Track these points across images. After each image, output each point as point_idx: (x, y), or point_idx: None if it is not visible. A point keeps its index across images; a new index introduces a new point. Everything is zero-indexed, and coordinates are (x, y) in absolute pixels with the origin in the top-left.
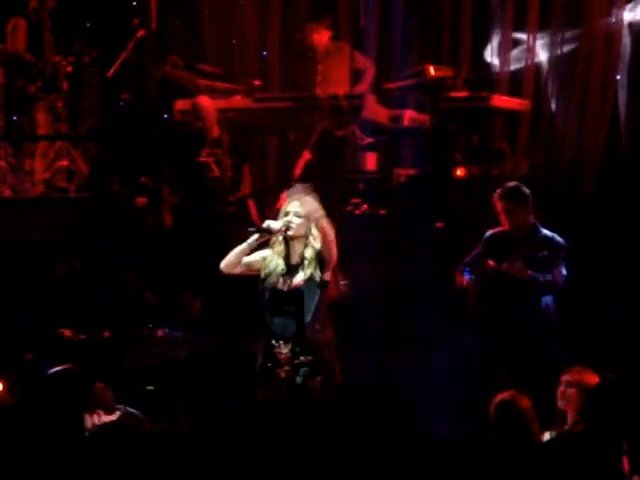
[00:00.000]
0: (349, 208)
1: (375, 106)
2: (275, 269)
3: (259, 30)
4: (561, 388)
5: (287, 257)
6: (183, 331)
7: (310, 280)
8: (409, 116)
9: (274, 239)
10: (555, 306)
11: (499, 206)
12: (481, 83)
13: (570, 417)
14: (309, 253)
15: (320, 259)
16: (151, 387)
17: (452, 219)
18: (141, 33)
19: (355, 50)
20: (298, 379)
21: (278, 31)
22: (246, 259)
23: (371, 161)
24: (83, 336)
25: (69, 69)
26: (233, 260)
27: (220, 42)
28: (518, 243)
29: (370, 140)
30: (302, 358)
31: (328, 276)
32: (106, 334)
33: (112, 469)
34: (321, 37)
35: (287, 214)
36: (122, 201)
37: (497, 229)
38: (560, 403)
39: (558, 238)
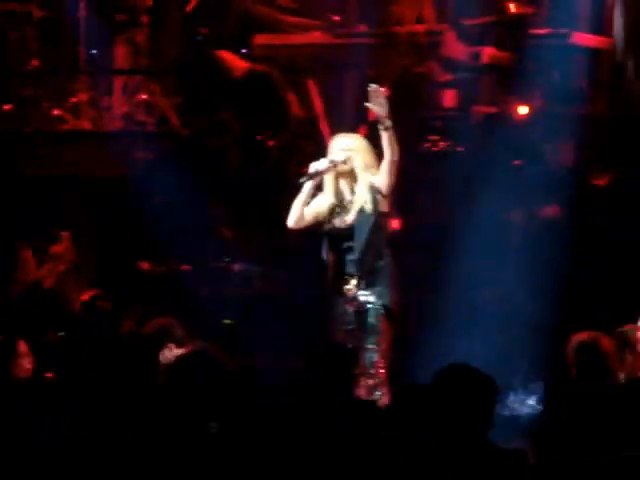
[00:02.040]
0: (427, 145)
1: (454, 43)
2: (330, 208)
3: None
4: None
5: (339, 194)
6: (260, 266)
7: (362, 212)
8: (489, 53)
9: (324, 179)
10: None
11: None
12: (562, 20)
13: None
14: (360, 187)
15: (374, 190)
16: (228, 321)
17: (529, 157)
18: None
19: None
20: (370, 320)
21: None
22: (309, 209)
23: (450, 98)
24: (162, 268)
25: (149, 2)
26: (297, 213)
27: None
28: None
29: (449, 77)
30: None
31: (385, 207)
32: (184, 267)
33: (189, 398)
34: None
35: (332, 151)
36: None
37: None
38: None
39: None
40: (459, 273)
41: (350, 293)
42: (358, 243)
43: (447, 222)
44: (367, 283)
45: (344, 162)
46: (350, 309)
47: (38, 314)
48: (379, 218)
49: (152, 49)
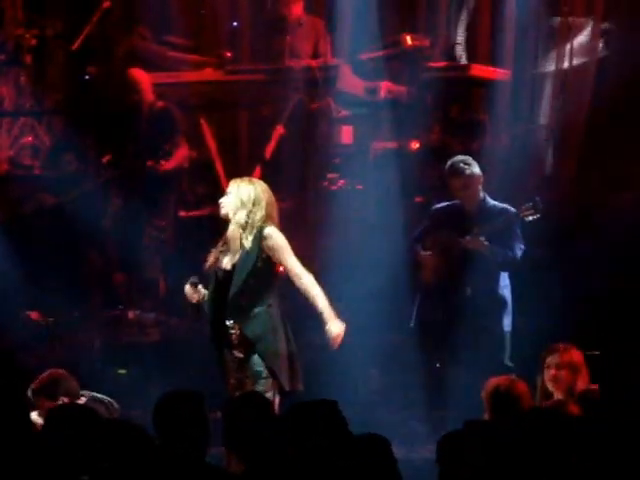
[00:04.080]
0: (325, 183)
1: (350, 77)
2: (217, 249)
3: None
4: (552, 371)
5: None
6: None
7: (247, 255)
8: (386, 87)
9: None
10: (510, 281)
11: (450, 180)
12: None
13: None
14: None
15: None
16: (123, 371)
17: (431, 193)
18: (107, 4)
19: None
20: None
21: (248, 1)
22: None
23: (347, 134)
24: (51, 319)
25: (33, 42)
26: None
27: (189, 13)
28: (470, 216)
29: (346, 113)
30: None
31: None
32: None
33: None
34: (296, 7)
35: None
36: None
37: (445, 203)
38: (551, 385)
39: (510, 208)
40: None
41: (232, 338)
42: (234, 286)
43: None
44: (245, 328)
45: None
46: (234, 355)
47: None
48: (261, 262)
49: (36, 89)
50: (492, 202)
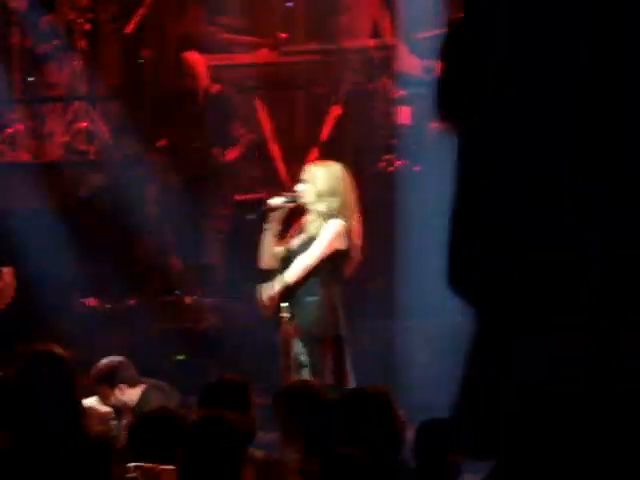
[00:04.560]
0: (381, 165)
1: (408, 57)
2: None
3: None
4: None
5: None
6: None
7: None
8: None
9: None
10: None
11: None
12: None
13: None
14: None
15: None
16: (181, 357)
17: None
18: None
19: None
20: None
21: None
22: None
23: (405, 115)
24: (108, 305)
25: (86, 27)
26: (266, 254)
27: None
28: None
29: (403, 93)
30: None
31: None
32: (132, 302)
33: None
34: None
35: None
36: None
37: None
38: None
39: None
40: None
41: (282, 322)
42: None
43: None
44: (296, 315)
45: (294, 201)
46: (283, 339)
47: None
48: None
49: (91, 74)
50: None
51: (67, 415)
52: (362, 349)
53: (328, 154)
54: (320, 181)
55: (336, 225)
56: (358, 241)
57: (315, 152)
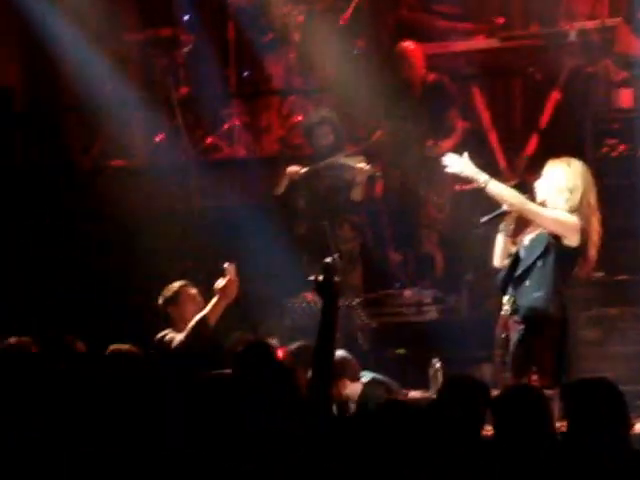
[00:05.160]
0: (604, 150)
1: (629, 37)
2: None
3: None
4: None
5: None
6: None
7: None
8: None
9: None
10: None
11: None
12: None
13: None
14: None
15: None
16: (402, 350)
17: None
18: None
19: None
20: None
21: None
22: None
23: (627, 97)
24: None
25: (300, 19)
26: (500, 252)
27: None
28: None
29: (625, 75)
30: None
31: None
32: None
33: None
34: None
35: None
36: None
37: None
38: None
39: None
40: None
41: (502, 313)
42: (522, 264)
43: None
44: (519, 308)
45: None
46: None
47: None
48: (552, 247)
49: (305, 67)
50: None
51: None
52: None
53: (548, 141)
54: (558, 177)
55: (569, 218)
56: (596, 241)
57: (534, 139)
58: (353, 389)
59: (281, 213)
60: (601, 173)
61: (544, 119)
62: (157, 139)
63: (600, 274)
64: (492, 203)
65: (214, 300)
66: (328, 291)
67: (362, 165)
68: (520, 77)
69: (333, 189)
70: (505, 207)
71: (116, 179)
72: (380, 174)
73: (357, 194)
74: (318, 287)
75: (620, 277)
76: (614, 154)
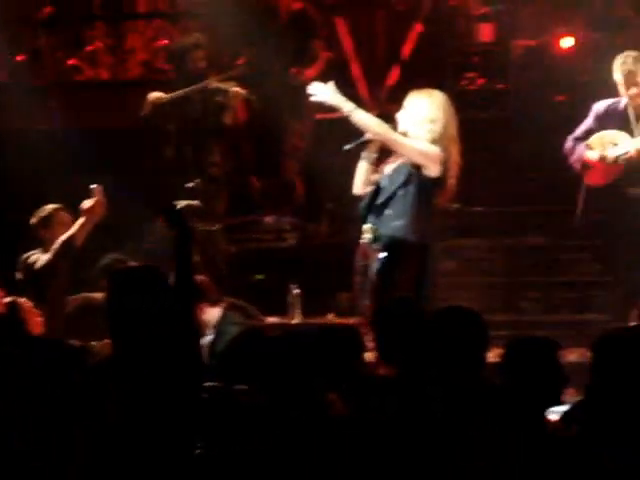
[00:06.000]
0: (463, 83)
1: None
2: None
3: None
4: None
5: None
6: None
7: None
8: None
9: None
10: None
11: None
12: None
13: None
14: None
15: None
16: (260, 276)
17: (574, 92)
18: None
19: None
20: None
21: None
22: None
23: (487, 32)
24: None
25: None
26: (361, 180)
27: None
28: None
29: (486, 9)
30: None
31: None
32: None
33: None
34: None
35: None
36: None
37: (609, 100)
38: None
39: None
40: None
41: (362, 241)
42: (382, 194)
43: None
44: (378, 237)
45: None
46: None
47: None
48: (413, 178)
49: None
50: None
51: None
52: None
53: (409, 72)
54: (420, 108)
55: (431, 148)
56: (455, 172)
57: (396, 70)
58: (211, 314)
59: (150, 136)
60: (460, 105)
61: (406, 50)
62: (18, 59)
63: (457, 205)
64: (354, 132)
65: (80, 220)
66: (175, 219)
67: (237, 89)
68: (383, 8)
69: (205, 113)
70: (369, 135)
71: None
72: (254, 97)
73: (229, 118)
74: (164, 214)
75: (476, 208)
76: (473, 87)
